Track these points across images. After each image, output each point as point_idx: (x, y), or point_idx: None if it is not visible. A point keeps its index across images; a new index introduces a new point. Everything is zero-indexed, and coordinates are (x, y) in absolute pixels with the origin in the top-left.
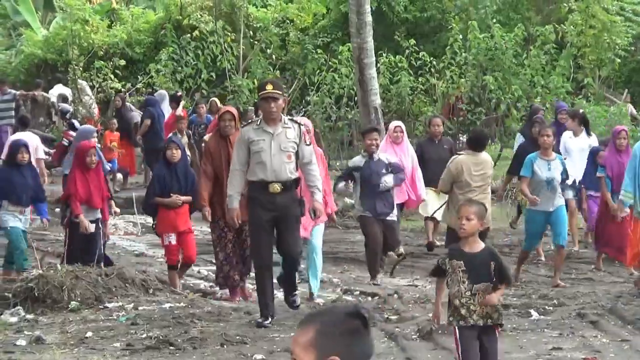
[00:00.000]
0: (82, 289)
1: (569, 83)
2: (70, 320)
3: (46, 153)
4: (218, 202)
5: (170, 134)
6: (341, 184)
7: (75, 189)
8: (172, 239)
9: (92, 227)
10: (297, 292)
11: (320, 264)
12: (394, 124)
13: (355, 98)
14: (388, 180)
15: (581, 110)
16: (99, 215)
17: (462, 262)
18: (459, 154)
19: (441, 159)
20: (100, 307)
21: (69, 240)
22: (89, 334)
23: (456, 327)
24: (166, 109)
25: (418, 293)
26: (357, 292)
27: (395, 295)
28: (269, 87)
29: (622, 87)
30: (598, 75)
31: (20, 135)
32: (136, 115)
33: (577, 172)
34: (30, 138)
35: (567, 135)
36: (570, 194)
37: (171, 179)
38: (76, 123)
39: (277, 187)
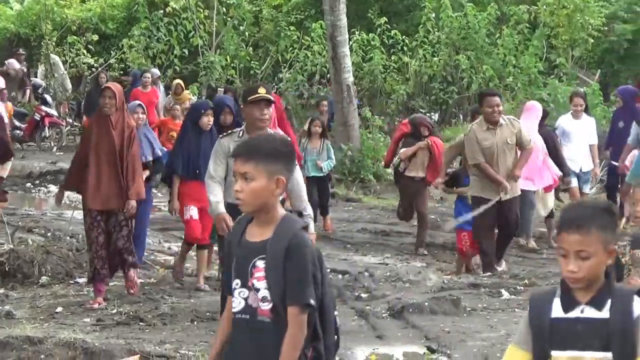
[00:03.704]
0: (52, 264)
1: (541, 63)
2: (41, 295)
3: (17, 128)
4: (91, 190)
5: None
6: None
7: None
8: (194, 212)
9: None
10: None
11: None
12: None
13: (328, 76)
14: None
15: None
16: None
17: None
18: None
19: None
20: (70, 282)
21: None
22: (59, 309)
23: None
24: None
25: (389, 271)
26: (328, 270)
27: (366, 273)
28: (262, 90)
29: (595, 67)
30: (571, 55)
31: None
32: None
33: (579, 158)
34: None
35: (566, 118)
36: (575, 181)
37: None
38: (48, 98)
39: None
